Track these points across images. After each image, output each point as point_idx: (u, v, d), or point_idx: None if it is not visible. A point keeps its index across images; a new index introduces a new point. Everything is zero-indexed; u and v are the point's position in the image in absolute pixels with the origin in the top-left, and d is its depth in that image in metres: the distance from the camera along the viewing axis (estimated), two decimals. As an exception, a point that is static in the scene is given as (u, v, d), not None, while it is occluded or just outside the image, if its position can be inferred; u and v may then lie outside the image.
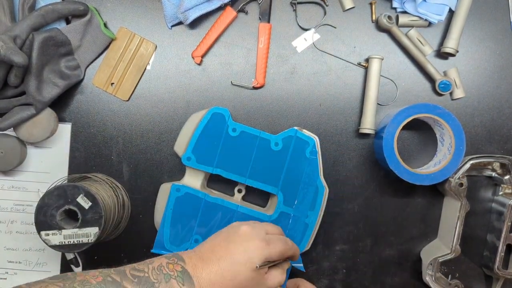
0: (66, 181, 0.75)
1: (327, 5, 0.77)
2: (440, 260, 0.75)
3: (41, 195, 0.67)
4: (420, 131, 0.78)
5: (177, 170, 0.77)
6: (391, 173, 0.73)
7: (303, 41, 0.78)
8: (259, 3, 0.77)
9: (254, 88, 0.77)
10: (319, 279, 0.79)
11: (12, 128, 0.73)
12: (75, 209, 0.67)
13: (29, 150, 0.77)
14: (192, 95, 0.77)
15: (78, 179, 0.75)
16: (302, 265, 0.73)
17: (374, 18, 0.78)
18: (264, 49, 0.76)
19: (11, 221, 0.77)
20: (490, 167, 0.77)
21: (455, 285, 0.77)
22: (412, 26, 0.78)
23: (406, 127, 0.74)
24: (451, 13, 0.77)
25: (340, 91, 0.78)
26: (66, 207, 0.67)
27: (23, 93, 0.72)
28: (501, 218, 0.75)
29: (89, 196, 0.67)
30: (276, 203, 0.72)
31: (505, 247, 0.75)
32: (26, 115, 0.71)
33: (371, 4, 0.78)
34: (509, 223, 0.74)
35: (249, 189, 0.76)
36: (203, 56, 0.77)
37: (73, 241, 0.67)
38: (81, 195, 0.67)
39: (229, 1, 0.75)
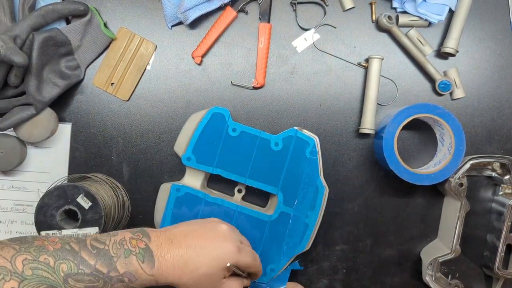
0: (66, 181, 0.75)
1: (327, 5, 0.77)
2: (440, 260, 0.75)
3: (41, 195, 0.67)
4: (420, 131, 0.78)
5: (177, 170, 0.77)
6: (391, 173, 0.73)
7: (303, 41, 0.78)
8: (259, 3, 0.77)
9: (254, 88, 0.77)
10: (319, 279, 0.79)
11: (12, 128, 0.73)
12: (75, 209, 0.67)
13: (29, 150, 0.77)
14: (192, 95, 0.77)
15: (78, 179, 0.75)
16: (297, 264, 0.74)
17: (374, 18, 0.78)
18: (264, 49, 0.76)
19: (11, 221, 0.77)
20: (490, 167, 0.77)
21: (455, 285, 0.77)
22: (412, 26, 0.78)
23: (406, 127, 0.74)
24: (451, 13, 0.77)
25: (340, 91, 0.78)
26: (66, 207, 0.67)
27: (23, 93, 0.72)
28: (501, 218, 0.75)
29: (89, 196, 0.67)
30: (276, 203, 0.72)
31: (505, 247, 0.75)
32: (26, 115, 0.71)
33: (371, 4, 0.78)
34: (509, 223, 0.74)
35: (249, 189, 0.76)
36: (203, 56, 0.77)
37: (73, 241, 0.67)
38: (81, 195, 0.67)
39: (229, 1, 0.75)
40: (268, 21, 0.77)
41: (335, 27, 0.78)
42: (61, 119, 0.77)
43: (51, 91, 0.72)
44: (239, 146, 0.72)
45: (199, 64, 0.77)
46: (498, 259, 0.75)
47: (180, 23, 0.77)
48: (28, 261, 0.50)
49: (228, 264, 0.58)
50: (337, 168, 0.78)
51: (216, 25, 0.76)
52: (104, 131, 0.77)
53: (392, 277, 0.79)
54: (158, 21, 0.77)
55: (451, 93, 0.78)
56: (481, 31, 0.79)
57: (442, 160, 0.74)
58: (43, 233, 0.67)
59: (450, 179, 0.74)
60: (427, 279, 0.76)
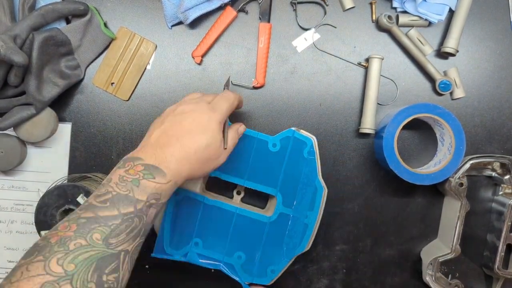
0: (66, 180, 0.75)
1: (327, 5, 0.77)
2: (440, 260, 0.75)
3: (41, 195, 0.67)
4: (420, 131, 0.78)
5: (177, 170, 0.77)
6: (391, 173, 0.73)
7: (303, 41, 0.78)
8: (259, 3, 0.77)
9: (254, 88, 0.77)
10: (319, 279, 0.79)
11: (12, 128, 0.73)
12: (75, 208, 0.67)
13: (29, 149, 0.77)
14: (192, 95, 0.77)
15: (78, 179, 0.75)
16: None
17: (374, 18, 0.78)
18: (264, 49, 0.76)
19: (11, 220, 0.77)
20: (490, 167, 0.77)
21: (455, 285, 0.77)
22: (412, 26, 0.78)
23: (406, 127, 0.74)
24: (451, 13, 0.77)
25: (340, 91, 0.78)
26: (66, 206, 0.67)
27: (23, 93, 0.72)
28: (501, 218, 0.75)
29: (89, 196, 0.67)
30: (275, 204, 0.72)
31: (505, 247, 0.75)
32: (26, 114, 0.71)
33: (371, 4, 0.78)
34: (509, 223, 0.74)
35: (248, 191, 0.76)
36: (203, 56, 0.77)
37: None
38: (81, 194, 0.67)
39: (229, 1, 0.75)
40: (268, 21, 0.77)
41: (335, 27, 0.78)
42: (61, 119, 0.77)
43: (51, 91, 0.72)
44: (237, 148, 0.72)
45: (199, 64, 0.77)
46: (498, 259, 0.75)
47: (180, 22, 0.77)
48: (62, 259, 0.47)
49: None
50: (337, 168, 0.78)
51: (216, 25, 0.76)
52: (104, 131, 0.77)
53: (392, 277, 0.79)
54: (158, 21, 0.77)
55: (451, 93, 0.78)
56: (481, 31, 0.79)
57: (442, 160, 0.74)
58: (43, 233, 0.67)
59: (450, 179, 0.74)
60: (427, 279, 0.76)
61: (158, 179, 0.54)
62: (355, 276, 0.79)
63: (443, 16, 0.76)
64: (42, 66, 0.70)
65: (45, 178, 0.77)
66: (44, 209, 0.67)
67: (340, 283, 0.79)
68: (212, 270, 0.76)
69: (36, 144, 0.77)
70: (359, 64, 0.78)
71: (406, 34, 0.78)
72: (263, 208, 0.77)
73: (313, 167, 0.72)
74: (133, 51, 0.76)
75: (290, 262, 0.72)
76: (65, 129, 0.77)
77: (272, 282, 0.72)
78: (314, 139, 0.72)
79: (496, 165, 0.76)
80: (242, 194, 0.76)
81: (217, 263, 0.72)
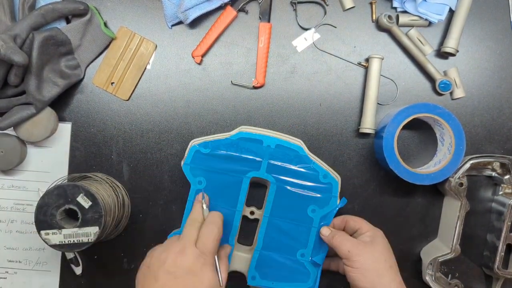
0: (66, 180, 0.75)
1: (327, 5, 0.77)
2: (440, 260, 0.75)
3: (41, 195, 0.67)
4: (420, 131, 0.78)
5: (177, 169, 0.77)
6: (391, 172, 0.73)
7: (303, 41, 0.78)
8: (259, 3, 0.77)
9: (254, 87, 0.77)
10: (319, 279, 0.79)
11: (12, 128, 0.73)
12: (75, 208, 0.67)
13: (29, 149, 0.77)
14: (192, 95, 0.77)
15: (78, 179, 0.75)
16: (340, 201, 0.73)
17: (374, 17, 0.78)
18: (264, 49, 0.76)
19: (11, 220, 0.77)
20: (490, 167, 0.77)
21: (455, 284, 0.77)
22: (412, 26, 0.78)
23: (406, 127, 0.74)
24: (451, 12, 0.77)
25: (340, 91, 0.78)
26: (66, 206, 0.67)
27: (23, 93, 0.72)
28: (501, 217, 0.75)
29: (89, 195, 0.67)
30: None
31: (505, 246, 0.75)
32: (26, 114, 0.71)
33: (371, 3, 0.78)
34: (509, 223, 0.74)
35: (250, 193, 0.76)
36: (203, 55, 0.77)
37: (73, 241, 0.67)
38: (81, 194, 0.67)
39: (229, 1, 0.75)
40: (268, 21, 0.77)
41: (335, 27, 0.78)
42: (61, 119, 0.77)
43: (51, 91, 0.72)
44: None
45: (199, 64, 0.77)
46: (498, 258, 0.75)
47: (180, 22, 0.77)
48: None
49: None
50: (337, 167, 0.78)
51: (216, 25, 0.76)
52: (104, 131, 0.77)
53: (392, 276, 0.79)
54: (158, 21, 0.77)
55: (451, 93, 0.78)
56: (481, 30, 0.79)
57: (442, 160, 0.74)
58: (43, 232, 0.67)
59: (450, 178, 0.74)
60: (427, 278, 0.76)
61: None
62: (355, 276, 0.79)
63: (443, 16, 0.76)
64: (42, 66, 0.70)
65: (45, 178, 0.77)
66: (44, 209, 0.67)
67: (340, 283, 0.79)
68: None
69: (36, 143, 0.77)
70: (359, 64, 0.78)
71: (406, 34, 0.78)
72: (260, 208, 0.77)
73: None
74: (133, 51, 0.76)
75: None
76: (65, 128, 0.77)
77: None
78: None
79: (496, 165, 0.76)
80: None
81: None
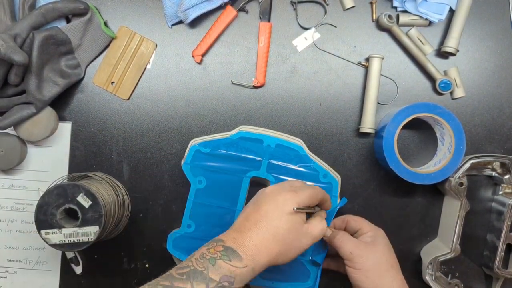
0: (66, 180, 0.75)
1: (327, 4, 0.77)
2: (440, 260, 0.75)
3: (41, 194, 0.67)
4: (420, 131, 0.78)
5: (177, 169, 0.77)
6: (391, 172, 0.73)
7: (304, 40, 0.78)
8: (260, 2, 0.77)
9: (255, 87, 0.77)
10: (319, 279, 0.79)
11: (12, 127, 0.73)
12: (75, 208, 0.67)
13: (29, 149, 0.77)
14: (192, 94, 0.77)
15: (78, 178, 0.75)
16: (340, 201, 0.72)
17: (374, 17, 0.78)
18: (264, 48, 0.76)
19: (11, 219, 0.77)
20: (490, 166, 0.77)
21: (455, 284, 0.77)
22: (412, 25, 0.78)
23: (406, 127, 0.74)
24: (452, 12, 0.77)
25: (341, 90, 0.78)
26: (66, 206, 0.67)
27: (23, 92, 0.72)
28: (501, 217, 0.75)
29: (89, 195, 0.67)
30: None
31: (505, 246, 0.75)
32: (26, 114, 0.71)
33: (371, 3, 0.78)
34: (509, 223, 0.74)
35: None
36: (203, 55, 0.77)
37: (73, 240, 0.67)
38: (81, 194, 0.67)
39: (230, 0, 0.75)
40: (269, 20, 0.77)
41: (335, 26, 0.78)
42: (61, 118, 0.77)
43: (51, 90, 0.72)
44: None
45: (199, 63, 0.77)
46: (498, 258, 0.75)
47: (180, 22, 0.77)
48: None
49: (294, 208, 0.58)
50: (337, 167, 0.78)
51: (217, 24, 0.76)
52: (104, 130, 0.77)
53: (392, 276, 0.79)
54: (158, 20, 0.77)
55: (451, 93, 0.78)
56: (482, 30, 0.79)
57: (442, 160, 0.74)
58: (43, 232, 0.67)
59: (450, 178, 0.74)
60: (427, 278, 0.76)
61: (234, 262, 0.55)
62: (355, 276, 0.79)
63: (444, 16, 0.76)
64: (42, 65, 0.70)
65: (45, 177, 0.77)
66: (44, 208, 0.67)
67: (340, 282, 0.79)
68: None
69: (36, 143, 0.77)
70: (359, 63, 0.78)
71: (407, 34, 0.78)
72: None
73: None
74: (133, 51, 0.76)
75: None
76: (65, 128, 0.77)
77: None
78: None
79: (496, 165, 0.76)
80: None
81: None
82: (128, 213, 0.76)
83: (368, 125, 0.76)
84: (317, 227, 0.61)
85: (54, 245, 0.67)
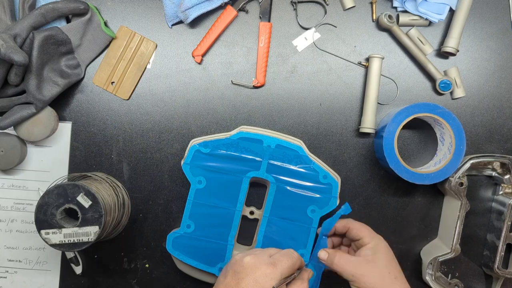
0: (66, 180, 0.75)
1: (327, 4, 0.77)
2: (440, 260, 0.75)
3: (41, 194, 0.67)
4: (421, 131, 0.78)
5: (177, 169, 0.77)
6: (391, 172, 0.73)
7: (304, 40, 0.78)
8: (260, 2, 0.77)
9: (255, 87, 0.77)
10: (320, 280, 0.79)
11: (12, 127, 0.73)
12: (75, 208, 0.67)
13: (29, 149, 0.77)
14: (192, 94, 0.77)
15: (78, 178, 0.75)
16: (343, 207, 0.71)
17: (374, 17, 0.78)
18: (264, 48, 0.76)
19: (11, 219, 0.77)
20: (490, 166, 0.77)
21: (455, 284, 0.77)
22: (412, 25, 0.78)
23: (407, 127, 0.74)
24: (452, 12, 0.77)
25: (341, 90, 0.78)
26: (66, 206, 0.67)
27: (23, 92, 0.72)
28: (501, 217, 0.75)
29: (89, 195, 0.67)
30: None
31: (505, 246, 0.75)
32: (27, 113, 0.71)
33: (371, 3, 0.78)
34: (509, 223, 0.74)
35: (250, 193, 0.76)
36: (203, 55, 0.77)
37: (73, 240, 0.67)
38: (81, 194, 0.67)
39: (230, 0, 0.75)
40: (269, 20, 0.77)
41: (335, 26, 0.78)
42: (61, 118, 0.77)
43: (51, 90, 0.72)
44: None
45: (200, 63, 0.77)
46: (498, 258, 0.75)
47: (180, 22, 0.77)
48: None
49: (274, 286, 0.58)
50: (337, 167, 0.78)
51: (217, 24, 0.76)
52: (104, 130, 0.77)
53: (392, 276, 0.79)
54: (158, 20, 0.77)
55: (451, 93, 0.78)
56: (482, 30, 0.79)
57: (442, 160, 0.74)
58: (43, 232, 0.67)
59: (450, 178, 0.74)
60: (427, 278, 0.76)
61: None
62: (355, 276, 0.79)
63: (444, 16, 0.76)
64: (42, 65, 0.70)
65: (45, 177, 0.77)
66: (44, 208, 0.67)
67: (341, 282, 0.79)
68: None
69: (36, 143, 0.77)
70: (360, 63, 0.78)
71: (407, 34, 0.78)
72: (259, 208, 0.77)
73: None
74: (133, 50, 0.76)
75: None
76: (65, 128, 0.77)
77: None
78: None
79: (496, 165, 0.76)
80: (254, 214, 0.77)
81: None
82: (128, 213, 0.76)
83: (368, 125, 0.76)
84: None
85: (54, 245, 0.67)
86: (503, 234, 0.74)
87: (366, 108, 0.76)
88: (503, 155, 0.76)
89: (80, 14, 0.72)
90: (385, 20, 0.76)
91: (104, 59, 0.76)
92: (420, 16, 0.77)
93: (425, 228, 0.79)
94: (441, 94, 0.78)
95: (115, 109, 0.77)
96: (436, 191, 0.79)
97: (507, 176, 0.76)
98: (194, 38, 0.77)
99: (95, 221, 0.67)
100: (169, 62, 0.78)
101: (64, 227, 0.67)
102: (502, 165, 0.76)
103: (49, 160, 0.77)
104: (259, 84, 0.77)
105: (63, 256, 0.78)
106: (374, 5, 0.77)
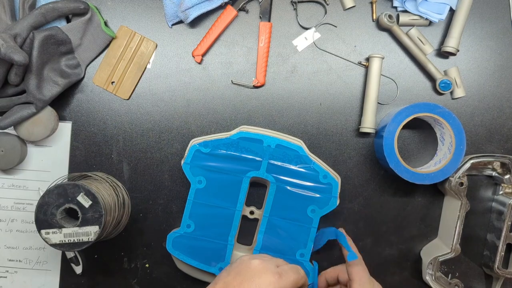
0: (67, 179, 0.75)
1: (327, 4, 0.77)
2: (440, 260, 0.75)
3: (41, 194, 0.67)
4: (421, 130, 0.78)
5: (177, 169, 0.77)
6: (391, 172, 0.73)
7: (304, 40, 0.78)
8: (260, 2, 0.77)
9: (255, 87, 0.77)
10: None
11: (12, 127, 0.73)
12: (76, 207, 0.67)
13: (30, 148, 0.77)
14: (193, 94, 0.77)
15: (79, 178, 0.75)
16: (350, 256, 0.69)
17: (374, 17, 0.78)
18: (264, 48, 0.76)
19: (12, 219, 0.78)
20: (490, 166, 0.77)
21: (455, 284, 0.77)
22: (412, 25, 0.78)
23: (407, 126, 0.74)
24: (452, 12, 0.77)
25: (341, 90, 0.78)
26: (67, 205, 0.67)
27: (23, 92, 0.72)
28: (501, 217, 0.75)
29: (90, 194, 0.67)
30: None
31: (505, 246, 0.75)
32: (27, 113, 0.71)
33: (371, 3, 0.78)
34: (509, 222, 0.74)
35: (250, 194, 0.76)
36: (203, 55, 0.77)
37: (74, 240, 0.67)
38: (81, 193, 0.67)
39: (230, 0, 0.75)
40: (269, 20, 0.77)
41: (335, 26, 0.78)
42: (62, 118, 0.77)
43: (51, 90, 0.72)
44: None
45: (200, 63, 0.77)
46: (498, 258, 0.75)
47: (180, 21, 0.77)
48: None
49: None
50: (337, 167, 0.78)
51: (217, 24, 0.76)
52: (104, 130, 0.77)
53: (392, 276, 0.79)
54: (158, 20, 0.77)
55: (451, 92, 0.78)
56: (482, 30, 0.79)
57: (443, 160, 0.74)
58: (43, 231, 0.67)
59: (451, 178, 0.74)
60: (427, 278, 0.76)
61: None
62: (355, 275, 0.79)
63: (444, 15, 0.76)
64: (43, 65, 0.70)
65: (45, 177, 0.77)
66: (44, 208, 0.67)
67: (340, 282, 0.79)
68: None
69: (36, 143, 0.77)
70: (360, 63, 0.78)
71: (407, 33, 0.78)
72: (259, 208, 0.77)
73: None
74: (133, 50, 0.76)
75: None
76: (66, 128, 0.77)
77: None
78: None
79: (497, 165, 0.76)
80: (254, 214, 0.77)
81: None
82: (128, 213, 0.76)
83: (368, 125, 0.76)
84: None
85: (54, 245, 0.67)
86: (503, 234, 0.74)
87: (366, 108, 0.76)
88: (503, 155, 0.76)
89: (80, 14, 0.72)
90: (385, 20, 0.76)
91: (104, 59, 0.76)
92: (420, 16, 0.77)
93: (425, 228, 0.79)
94: (441, 94, 0.78)
95: (115, 109, 0.77)
96: (436, 191, 0.79)
97: (507, 176, 0.76)
98: (194, 38, 0.77)
99: (95, 221, 0.67)
100: (169, 62, 0.78)
101: (64, 227, 0.67)
102: (502, 165, 0.76)
103: (49, 160, 0.77)
104: (259, 84, 0.77)
105: (63, 256, 0.78)
106: (374, 5, 0.77)
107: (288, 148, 0.73)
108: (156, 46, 0.77)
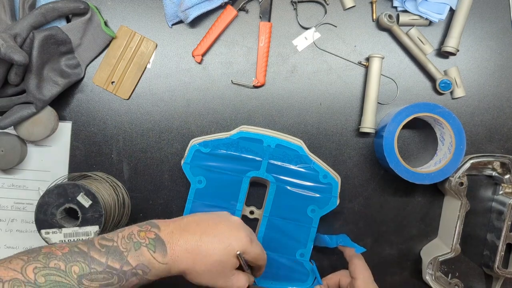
0: (67, 179, 0.75)
1: (327, 4, 0.77)
2: (440, 259, 0.75)
3: (41, 194, 0.67)
4: (421, 130, 0.78)
5: (177, 169, 0.77)
6: (391, 172, 0.73)
7: (304, 40, 0.78)
8: (260, 2, 0.77)
9: (255, 87, 0.77)
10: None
11: (12, 127, 0.73)
12: (76, 207, 0.67)
13: (30, 148, 0.77)
14: (192, 94, 0.77)
15: (78, 178, 0.75)
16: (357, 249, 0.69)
17: (374, 17, 0.78)
18: (264, 48, 0.76)
19: (12, 219, 0.77)
20: (490, 166, 0.77)
21: (455, 284, 0.77)
22: (412, 25, 0.78)
23: (407, 126, 0.74)
24: (452, 12, 0.77)
25: (341, 90, 0.78)
26: (67, 205, 0.67)
27: (23, 92, 0.72)
28: (501, 217, 0.75)
29: (89, 194, 0.67)
30: None
31: (505, 246, 0.75)
32: (27, 113, 0.71)
33: (371, 3, 0.78)
34: (509, 222, 0.74)
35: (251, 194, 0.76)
36: (203, 55, 0.77)
37: (73, 240, 0.67)
38: (81, 193, 0.67)
39: (230, 0, 0.75)
40: (269, 20, 0.77)
41: (335, 26, 0.78)
42: (62, 118, 0.77)
43: (51, 90, 0.72)
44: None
45: (200, 63, 0.77)
46: (498, 258, 0.75)
47: (180, 21, 0.77)
48: (38, 269, 0.51)
49: (238, 252, 0.58)
50: (337, 167, 0.78)
51: (217, 24, 0.76)
52: (104, 130, 0.77)
53: (392, 276, 0.79)
54: (158, 20, 0.77)
55: (451, 92, 0.78)
56: (482, 30, 0.79)
57: (443, 159, 0.74)
58: (43, 231, 0.67)
59: (450, 178, 0.74)
60: (427, 278, 0.76)
61: (157, 255, 0.55)
62: (355, 275, 0.79)
63: (444, 15, 0.76)
64: (43, 65, 0.70)
65: (45, 177, 0.77)
66: (44, 208, 0.67)
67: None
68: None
69: (36, 143, 0.77)
70: (360, 63, 0.78)
71: (407, 33, 0.78)
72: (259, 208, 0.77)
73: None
74: (133, 50, 0.76)
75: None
76: (65, 128, 0.77)
77: None
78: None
79: (497, 165, 0.76)
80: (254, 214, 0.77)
81: None
82: (128, 213, 0.76)
83: (368, 125, 0.76)
84: (241, 281, 0.60)
85: (54, 245, 0.67)
86: (503, 234, 0.74)
87: (366, 107, 0.76)
88: (503, 154, 0.76)
89: (80, 13, 0.72)
90: (385, 20, 0.76)
91: (104, 59, 0.76)
92: (420, 16, 0.77)
93: (425, 228, 0.79)
94: (441, 94, 0.78)
95: (115, 109, 0.77)
96: (436, 191, 0.79)
97: (507, 176, 0.76)
98: (194, 37, 0.77)
99: (95, 220, 0.67)
100: (169, 62, 0.78)
101: (64, 227, 0.67)
102: (502, 164, 0.76)
103: (49, 160, 0.77)
104: (259, 84, 0.77)
105: (63, 255, 0.78)
106: (374, 5, 0.77)
107: (288, 148, 0.73)
108: (156, 46, 0.77)
